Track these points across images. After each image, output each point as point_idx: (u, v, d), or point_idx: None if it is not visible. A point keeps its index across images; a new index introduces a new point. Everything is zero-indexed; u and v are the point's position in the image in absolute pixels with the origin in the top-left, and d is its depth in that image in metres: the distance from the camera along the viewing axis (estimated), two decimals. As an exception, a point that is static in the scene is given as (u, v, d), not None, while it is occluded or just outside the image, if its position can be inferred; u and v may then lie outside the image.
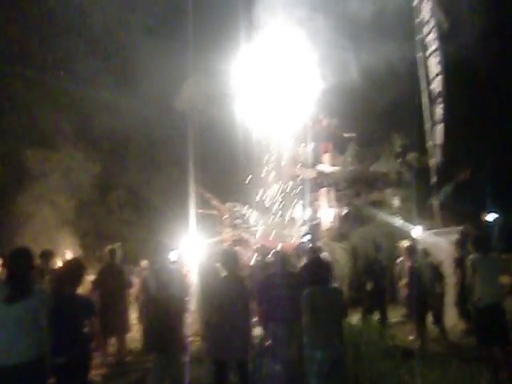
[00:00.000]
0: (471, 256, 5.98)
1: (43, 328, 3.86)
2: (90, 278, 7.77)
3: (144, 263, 9.98)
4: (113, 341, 7.79)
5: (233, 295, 4.90)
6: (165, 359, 4.84)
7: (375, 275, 8.24)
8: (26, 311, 3.76)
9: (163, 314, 4.81)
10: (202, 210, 13.65)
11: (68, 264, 4.91)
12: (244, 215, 13.76)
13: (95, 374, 6.12)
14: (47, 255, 7.15)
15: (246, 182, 15.15)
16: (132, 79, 19.79)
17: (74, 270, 4.57)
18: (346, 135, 14.18)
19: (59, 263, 8.40)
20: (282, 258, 5.97)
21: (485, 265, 5.80)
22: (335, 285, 5.21)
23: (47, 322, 3.90)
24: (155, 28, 20.56)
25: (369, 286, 8.15)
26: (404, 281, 8.75)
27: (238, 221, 13.56)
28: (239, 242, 12.11)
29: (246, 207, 14.43)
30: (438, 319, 8.30)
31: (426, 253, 8.63)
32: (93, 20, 18.50)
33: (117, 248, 8.00)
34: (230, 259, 5.17)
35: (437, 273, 8.56)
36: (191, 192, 13.70)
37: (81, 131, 17.61)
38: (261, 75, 14.29)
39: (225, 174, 19.30)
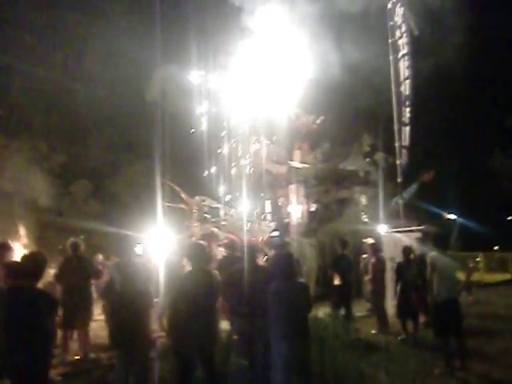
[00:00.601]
0: (431, 254, 6.28)
1: None
2: (51, 271, 7.55)
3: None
4: (75, 336, 7.60)
5: (199, 290, 4.81)
6: (129, 356, 4.72)
7: (342, 271, 8.37)
8: None
9: (128, 310, 4.63)
10: (169, 204, 13.51)
11: (27, 257, 4.65)
12: (213, 209, 13.66)
13: (56, 372, 5.94)
14: (3, 248, 6.83)
15: (204, 174, 15.05)
16: (99, 69, 19.38)
17: (34, 263, 4.32)
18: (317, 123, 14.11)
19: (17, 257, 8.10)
20: (250, 252, 5.97)
21: (443, 262, 6.08)
22: (302, 280, 5.22)
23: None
24: (125, 16, 20.15)
25: (336, 281, 8.26)
26: (368, 277, 9.02)
27: (207, 215, 13.45)
28: (208, 236, 12.03)
29: (215, 201, 14.36)
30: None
31: (410, 250, 8.80)
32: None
33: (80, 241, 7.79)
34: (197, 253, 5.10)
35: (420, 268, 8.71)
36: (158, 185, 13.49)
37: (43, 121, 17.07)
38: (236, 68, 14.17)
39: (194, 167, 19.17)
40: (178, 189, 14.03)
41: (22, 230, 15.06)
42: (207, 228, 12.30)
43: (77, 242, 7.62)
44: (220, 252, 10.53)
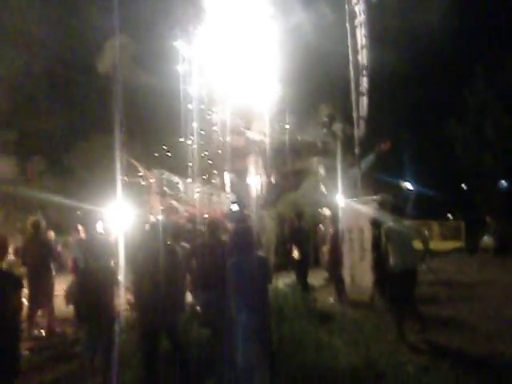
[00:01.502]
0: (385, 225, 6.33)
1: None
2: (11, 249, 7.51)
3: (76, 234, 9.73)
4: (39, 313, 7.64)
5: (162, 265, 4.94)
6: (95, 329, 4.85)
7: (299, 243, 8.53)
8: None
9: (93, 286, 4.77)
10: (127, 179, 13.34)
11: None
12: (172, 183, 13.60)
13: (24, 347, 5.99)
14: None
15: (165, 147, 14.85)
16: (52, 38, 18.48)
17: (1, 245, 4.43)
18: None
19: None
20: (211, 227, 6.10)
21: (399, 233, 6.08)
22: (260, 253, 5.39)
23: None
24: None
25: (294, 253, 8.44)
26: (326, 247, 9.30)
27: (166, 189, 13.37)
28: (168, 209, 12.03)
29: (175, 175, 14.25)
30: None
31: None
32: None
33: (40, 220, 7.72)
34: (160, 228, 5.21)
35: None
36: (117, 159, 13.28)
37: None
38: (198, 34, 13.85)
39: (153, 140, 18.90)
40: (135, 163, 13.81)
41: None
42: (167, 202, 12.24)
43: (37, 221, 7.61)
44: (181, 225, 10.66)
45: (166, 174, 13.75)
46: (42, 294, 7.29)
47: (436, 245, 15.72)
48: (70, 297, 7.75)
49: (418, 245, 6.51)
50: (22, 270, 7.27)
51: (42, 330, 7.46)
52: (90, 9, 18.72)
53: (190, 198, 13.36)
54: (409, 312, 6.16)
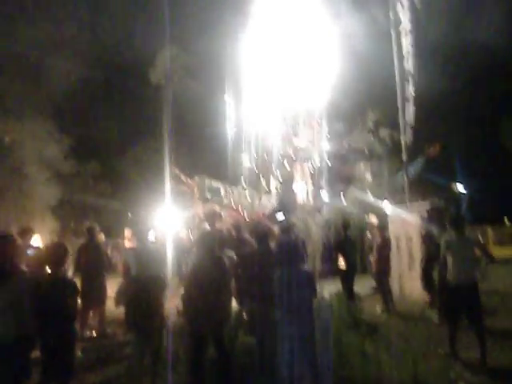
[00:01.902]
0: (446, 236, 6.05)
1: (25, 311, 4.07)
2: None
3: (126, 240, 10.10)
4: (92, 314, 8.01)
5: (212, 274, 5.06)
6: (145, 334, 5.07)
7: (345, 252, 8.44)
8: (6, 295, 3.96)
9: (143, 294, 5.00)
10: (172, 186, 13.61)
11: (52, 247, 5.05)
12: (214, 188, 13.76)
13: (77, 347, 6.31)
14: (26, 232, 7.22)
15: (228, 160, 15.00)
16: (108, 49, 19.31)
17: (58, 253, 4.73)
18: None
19: (37, 240, 8.46)
20: (259, 235, 6.16)
21: (459, 245, 5.82)
22: (306, 267, 5.40)
23: (30, 305, 4.13)
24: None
25: (341, 263, 8.36)
26: (373, 257, 9.11)
27: (208, 194, 13.53)
28: (211, 215, 12.17)
29: (216, 180, 14.40)
30: None
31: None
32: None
33: (95, 226, 8.12)
34: (208, 240, 5.33)
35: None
36: (166, 165, 13.66)
37: (52, 103, 17.19)
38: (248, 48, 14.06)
39: (202, 147, 19.30)
40: (177, 171, 14.05)
41: (39, 211, 15.45)
42: (209, 207, 12.40)
43: (92, 227, 7.99)
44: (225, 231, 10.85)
45: (207, 180, 13.90)
46: (94, 297, 7.61)
47: (492, 251, 15.08)
48: (120, 299, 8.12)
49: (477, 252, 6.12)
50: (75, 274, 7.67)
51: (94, 331, 7.83)
52: (143, 20, 19.41)
53: (233, 202, 13.48)
54: (476, 334, 5.73)
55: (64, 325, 4.44)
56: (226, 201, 13.45)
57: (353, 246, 8.76)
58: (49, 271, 4.68)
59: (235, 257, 6.49)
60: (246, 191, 14.14)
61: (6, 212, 15.81)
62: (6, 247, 4.15)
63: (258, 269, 5.63)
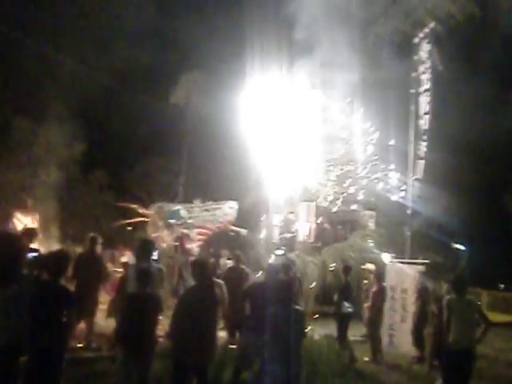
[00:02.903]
0: (449, 296, 5.98)
1: (22, 315, 3.98)
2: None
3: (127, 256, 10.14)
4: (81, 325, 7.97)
5: (201, 306, 5.08)
6: (133, 354, 5.03)
7: (348, 300, 8.36)
8: (7, 299, 3.84)
9: (138, 312, 5.00)
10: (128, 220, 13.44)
11: (55, 254, 5.05)
12: (175, 212, 13.43)
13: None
14: (30, 234, 7.25)
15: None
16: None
17: (61, 261, 4.74)
18: None
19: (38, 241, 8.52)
20: (271, 271, 6.23)
21: (461, 307, 5.73)
22: (298, 307, 5.43)
23: (27, 310, 4.05)
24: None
25: (344, 309, 8.28)
26: (367, 304, 9.17)
27: (172, 220, 13.15)
28: (180, 239, 12.03)
29: (176, 204, 14.37)
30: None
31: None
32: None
33: (98, 237, 8.18)
34: (200, 269, 5.34)
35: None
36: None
37: (71, 109, 17.53)
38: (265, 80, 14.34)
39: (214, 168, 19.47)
40: (132, 206, 13.94)
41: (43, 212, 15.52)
42: (176, 232, 12.25)
43: (95, 238, 8.04)
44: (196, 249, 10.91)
45: (166, 206, 13.68)
46: (86, 308, 7.37)
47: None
48: (112, 311, 8.09)
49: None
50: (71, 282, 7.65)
51: (81, 344, 7.61)
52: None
53: (197, 221, 13.52)
54: None
55: (57, 335, 4.38)
56: (190, 221, 13.32)
57: (352, 292, 8.72)
58: (48, 278, 4.62)
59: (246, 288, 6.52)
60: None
61: (8, 208, 15.91)
62: (11, 248, 4.04)
63: (261, 302, 5.54)
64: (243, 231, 14.33)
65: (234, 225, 14.43)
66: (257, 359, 5.44)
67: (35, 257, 6.52)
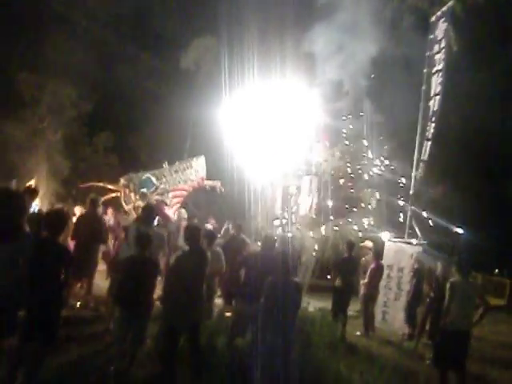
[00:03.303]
0: (452, 279, 5.99)
1: (21, 270, 4.02)
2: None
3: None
4: (79, 285, 8.11)
5: (192, 269, 5.22)
6: (131, 315, 5.15)
7: (346, 274, 8.43)
8: (9, 252, 3.90)
9: (136, 276, 5.09)
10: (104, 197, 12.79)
11: (54, 212, 5.11)
12: (146, 180, 13.04)
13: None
14: (32, 193, 7.25)
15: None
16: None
17: (60, 219, 4.80)
18: None
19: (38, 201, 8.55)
20: (267, 240, 6.28)
21: (464, 290, 5.76)
22: (296, 279, 5.50)
23: (26, 265, 4.08)
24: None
25: (337, 283, 8.38)
26: (364, 280, 9.24)
27: (143, 189, 12.66)
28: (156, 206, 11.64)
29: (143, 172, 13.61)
30: None
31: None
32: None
33: (99, 198, 8.23)
34: (192, 235, 5.48)
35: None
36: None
37: (79, 69, 17.29)
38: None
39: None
40: (101, 184, 13.26)
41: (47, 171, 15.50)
42: (152, 201, 11.74)
43: (96, 199, 8.09)
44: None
45: (134, 176, 13.15)
46: (85, 268, 7.55)
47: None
48: (112, 269, 8.09)
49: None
50: (71, 242, 7.71)
51: (78, 302, 7.77)
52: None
53: (170, 184, 13.34)
54: (457, 379, 5.78)
55: (53, 291, 4.48)
56: (163, 186, 13.14)
57: (354, 267, 8.79)
58: (47, 235, 4.67)
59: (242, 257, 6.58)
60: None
61: (11, 165, 15.92)
62: (15, 205, 4.05)
63: (259, 272, 5.64)
64: (217, 183, 14.22)
65: (207, 179, 14.30)
66: (250, 327, 5.56)
67: (35, 214, 6.61)
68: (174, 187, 13.41)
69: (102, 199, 8.88)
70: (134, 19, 19.69)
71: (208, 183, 14.28)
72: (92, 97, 19.16)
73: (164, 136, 21.77)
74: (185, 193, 13.66)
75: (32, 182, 12.18)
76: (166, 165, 13.92)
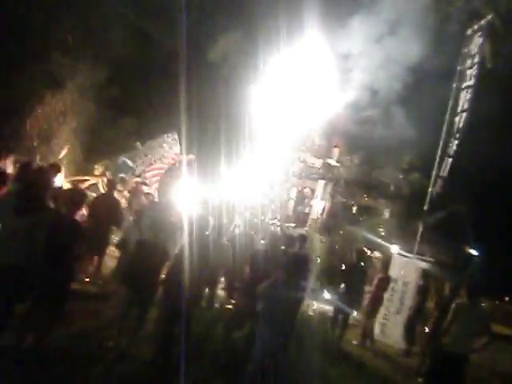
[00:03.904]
0: (459, 300, 5.85)
1: (39, 241, 4.38)
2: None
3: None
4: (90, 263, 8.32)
5: (195, 256, 5.27)
6: (134, 296, 5.31)
7: (351, 282, 8.31)
8: (31, 225, 4.29)
9: (146, 259, 5.25)
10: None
11: (72, 191, 5.36)
12: (123, 165, 13.09)
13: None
14: (53, 169, 7.49)
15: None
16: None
17: (77, 197, 5.10)
18: None
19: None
20: (272, 239, 6.39)
21: (469, 314, 5.57)
22: (304, 281, 5.56)
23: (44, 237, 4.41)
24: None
25: (342, 290, 8.32)
26: (370, 289, 9.08)
27: (122, 174, 12.58)
28: (135, 190, 10.94)
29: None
30: None
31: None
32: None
33: (115, 180, 8.46)
34: (201, 221, 5.66)
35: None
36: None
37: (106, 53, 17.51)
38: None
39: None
40: (76, 178, 12.66)
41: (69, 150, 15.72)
42: (131, 184, 11.75)
43: (113, 181, 8.32)
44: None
45: (109, 162, 13.15)
46: (96, 246, 7.75)
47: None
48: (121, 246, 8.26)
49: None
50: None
51: (87, 279, 7.97)
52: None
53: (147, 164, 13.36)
54: None
55: (66, 264, 4.72)
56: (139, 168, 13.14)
57: (361, 274, 8.63)
58: (65, 211, 4.94)
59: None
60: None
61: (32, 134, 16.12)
62: (41, 180, 4.57)
63: (264, 270, 5.69)
64: (192, 157, 13.77)
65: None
66: (248, 322, 5.66)
67: (56, 190, 6.86)
68: (150, 167, 13.36)
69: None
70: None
71: (182, 158, 13.68)
72: (119, 81, 19.33)
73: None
74: (162, 171, 13.49)
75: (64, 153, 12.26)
76: (139, 145, 14.00)
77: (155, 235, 5.45)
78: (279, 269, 5.21)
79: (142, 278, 5.18)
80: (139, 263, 5.27)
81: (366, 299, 9.11)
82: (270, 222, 11.89)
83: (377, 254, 10.53)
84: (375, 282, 8.99)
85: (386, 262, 9.36)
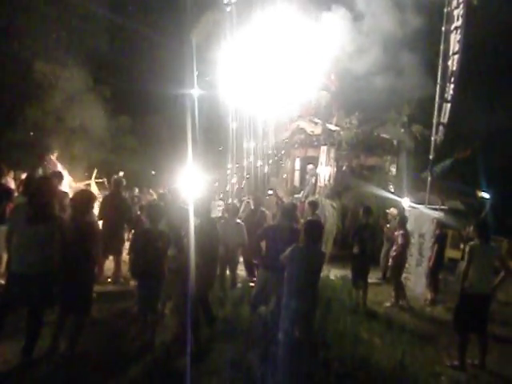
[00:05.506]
0: (472, 242, 5.88)
1: (55, 248, 4.50)
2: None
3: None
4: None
5: (205, 239, 5.45)
6: (146, 285, 5.37)
7: (363, 241, 8.16)
8: (43, 233, 4.44)
9: (151, 247, 5.28)
10: None
11: (81, 194, 5.37)
12: None
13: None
14: (58, 178, 7.54)
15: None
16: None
17: (87, 200, 5.14)
18: None
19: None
20: (285, 211, 6.41)
21: (483, 253, 5.69)
22: (323, 249, 5.63)
23: (59, 244, 4.53)
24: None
25: (355, 250, 8.16)
26: (393, 248, 8.88)
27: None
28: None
29: None
30: None
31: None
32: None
33: (122, 179, 8.49)
34: (203, 207, 5.81)
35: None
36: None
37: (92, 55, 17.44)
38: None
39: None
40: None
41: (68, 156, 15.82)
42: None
43: (120, 180, 8.36)
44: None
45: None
46: (112, 246, 7.91)
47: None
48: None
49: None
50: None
51: (109, 278, 8.21)
52: None
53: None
54: (480, 342, 5.76)
55: (84, 266, 4.81)
56: None
57: (372, 233, 8.51)
58: (76, 216, 4.98)
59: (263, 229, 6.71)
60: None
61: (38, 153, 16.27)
62: (48, 189, 4.58)
63: (280, 242, 5.66)
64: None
65: None
66: (273, 296, 5.74)
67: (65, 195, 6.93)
68: None
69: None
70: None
71: None
72: (109, 81, 19.30)
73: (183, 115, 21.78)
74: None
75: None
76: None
77: (153, 223, 5.47)
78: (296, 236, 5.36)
79: (145, 267, 5.24)
80: (142, 253, 5.31)
81: (391, 260, 8.91)
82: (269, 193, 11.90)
83: (394, 210, 10.47)
84: (397, 240, 8.73)
85: (402, 217, 9.27)
